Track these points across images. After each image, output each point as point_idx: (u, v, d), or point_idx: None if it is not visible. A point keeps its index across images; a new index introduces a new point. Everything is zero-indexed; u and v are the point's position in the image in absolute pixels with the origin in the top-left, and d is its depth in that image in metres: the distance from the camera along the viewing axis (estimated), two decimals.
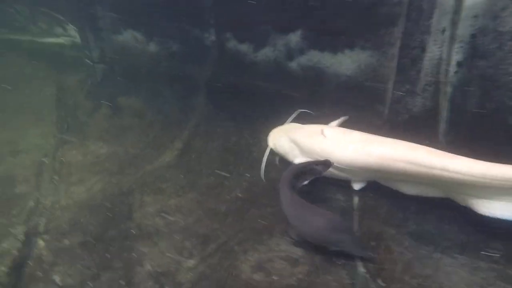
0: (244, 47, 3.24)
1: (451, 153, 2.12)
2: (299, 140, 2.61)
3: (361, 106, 2.84)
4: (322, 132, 2.47)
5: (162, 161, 3.20)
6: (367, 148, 2.29)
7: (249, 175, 2.91)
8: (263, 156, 2.87)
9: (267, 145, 2.87)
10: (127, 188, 2.90)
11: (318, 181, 2.51)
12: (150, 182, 2.96)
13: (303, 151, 2.61)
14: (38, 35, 4.57)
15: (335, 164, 2.36)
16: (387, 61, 2.59)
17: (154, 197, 2.82)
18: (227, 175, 2.94)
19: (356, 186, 2.53)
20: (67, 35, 4.38)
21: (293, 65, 3.07)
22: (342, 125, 2.80)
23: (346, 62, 2.78)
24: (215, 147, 3.25)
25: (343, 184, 2.60)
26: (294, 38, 2.93)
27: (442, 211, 2.32)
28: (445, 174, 2.03)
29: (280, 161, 2.91)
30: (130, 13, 3.65)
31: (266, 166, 2.77)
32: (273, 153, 2.88)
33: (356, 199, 2.55)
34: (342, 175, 2.49)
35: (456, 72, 2.32)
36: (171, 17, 3.47)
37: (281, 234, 2.35)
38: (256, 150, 3.11)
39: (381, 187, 2.50)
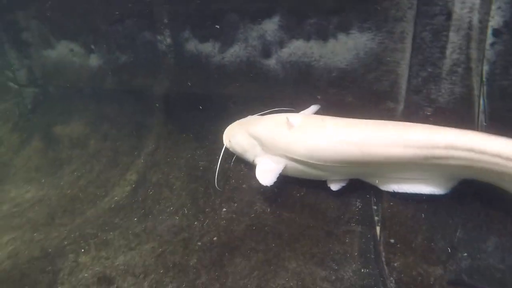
0: (208, 47, 2.57)
1: None
2: (260, 134, 2.10)
3: (364, 106, 2.19)
4: (287, 122, 1.93)
5: (110, 202, 2.39)
6: (347, 134, 1.80)
7: (226, 210, 2.16)
8: (242, 183, 2.24)
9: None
10: (55, 246, 2.05)
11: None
12: (91, 233, 2.13)
13: (265, 147, 2.09)
14: None
15: (305, 160, 1.90)
16: (395, 42, 1.99)
17: (95, 255, 1.98)
18: (198, 213, 2.16)
19: (334, 187, 2.03)
20: None
21: (272, 62, 2.41)
22: None
23: (340, 51, 2.16)
24: (180, 177, 2.46)
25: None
26: (271, 26, 2.29)
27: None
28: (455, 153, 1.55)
29: (235, 163, 2.33)
30: (63, 19, 2.92)
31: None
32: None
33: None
34: (317, 173, 1.97)
35: (493, 44, 1.73)
36: (115, 20, 2.77)
37: None
38: (234, 176, 2.36)
39: None
